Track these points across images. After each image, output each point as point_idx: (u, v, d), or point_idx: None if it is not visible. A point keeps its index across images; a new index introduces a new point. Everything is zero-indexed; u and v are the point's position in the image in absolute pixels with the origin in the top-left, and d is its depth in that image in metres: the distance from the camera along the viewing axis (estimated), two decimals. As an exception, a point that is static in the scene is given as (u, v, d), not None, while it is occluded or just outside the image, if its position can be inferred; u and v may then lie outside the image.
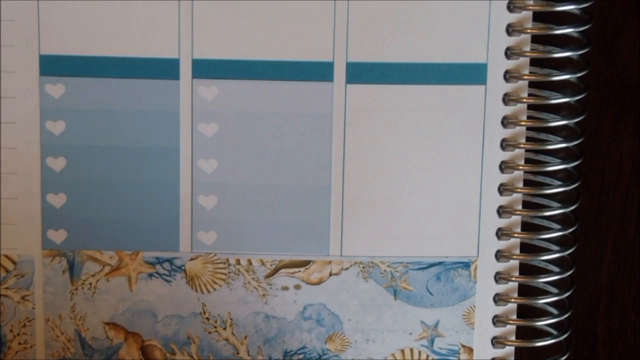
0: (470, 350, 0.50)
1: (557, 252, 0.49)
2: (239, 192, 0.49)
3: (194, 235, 0.49)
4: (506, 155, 0.49)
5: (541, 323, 0.50)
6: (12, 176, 0.48)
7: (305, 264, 0.49)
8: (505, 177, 0.49)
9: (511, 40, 0.48)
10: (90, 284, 0.49)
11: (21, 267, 0.49)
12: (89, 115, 0.48)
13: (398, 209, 0.49)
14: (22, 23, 0.47)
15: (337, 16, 0.48)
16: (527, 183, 0.49)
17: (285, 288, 0.50)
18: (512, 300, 0.50)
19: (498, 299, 0.50)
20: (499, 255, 0.50)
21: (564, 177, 0.49)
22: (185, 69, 0.48)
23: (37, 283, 0.49)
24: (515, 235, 0.49)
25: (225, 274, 0.50)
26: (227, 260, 0.50)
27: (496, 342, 0.50)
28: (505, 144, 0.49)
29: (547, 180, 0.49)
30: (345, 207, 0.49)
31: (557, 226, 0.49)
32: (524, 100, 0.48)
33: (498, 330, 0.50)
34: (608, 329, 0.52)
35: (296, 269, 0.50)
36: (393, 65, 0.48)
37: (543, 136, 0.49)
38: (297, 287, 0.50)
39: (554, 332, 0.50)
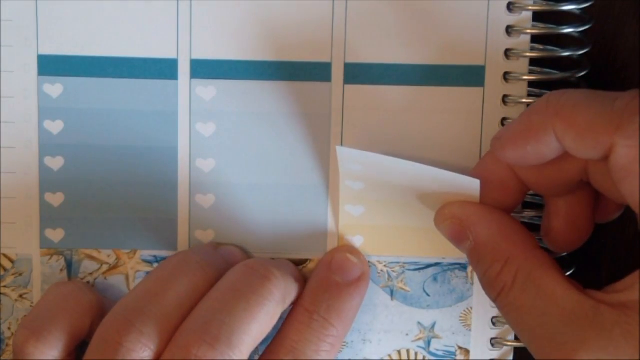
0: (466, 351, 0.50)
1: (557, 252, 0.49)
2: (236, 191, 0.49)
3: (191, 233, 0.49)
4: (505, 156, 0.49)
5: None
6: (10, 175, 0.48)
7: (302, 262, 0.49)
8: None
9: (511, 41, 0.48)
10: (88, 282, 0.49)
11: (19, 265, 0.49)
12: (87, 114, 0.48)
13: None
14: (20, 23, 0.48)
15: (336, 17, 0.48)
16: (525, 183, 0.49)
17: (283, 287, 0.50)
18: (511, 300, 0.50)
19: (496, 299, 0.50)
20: (498, 256, 0.49)
21: (563, 177, 0.49)
22: (184, 69, 0.48)
23: (35, 281, 0.49)
24: (515, 235, 0.49)
25: (223, 273, 0.50)
26: (225, 259, 0.50)
27: (495, 342, 0.50)
28: (504, 145, 0.49)
29: (546, 180, 0.49)
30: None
31: (557, 226, 0.49)
32: (524, 100, 0.48)
33: (496, 331, 0.50)
34: (606, 330, 0.52)
35: (293, 269, 0.50)
36: (391, 66, 0.48)
37: (543, 136, 0.49)
38: (295, 286, 0.50)
39: (552, 332, 0.50)
